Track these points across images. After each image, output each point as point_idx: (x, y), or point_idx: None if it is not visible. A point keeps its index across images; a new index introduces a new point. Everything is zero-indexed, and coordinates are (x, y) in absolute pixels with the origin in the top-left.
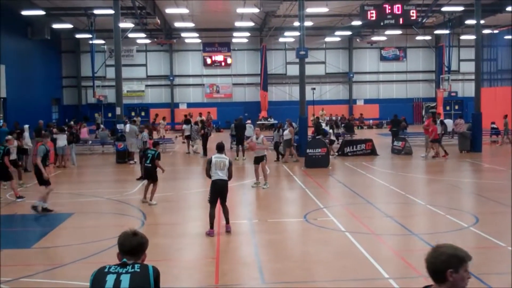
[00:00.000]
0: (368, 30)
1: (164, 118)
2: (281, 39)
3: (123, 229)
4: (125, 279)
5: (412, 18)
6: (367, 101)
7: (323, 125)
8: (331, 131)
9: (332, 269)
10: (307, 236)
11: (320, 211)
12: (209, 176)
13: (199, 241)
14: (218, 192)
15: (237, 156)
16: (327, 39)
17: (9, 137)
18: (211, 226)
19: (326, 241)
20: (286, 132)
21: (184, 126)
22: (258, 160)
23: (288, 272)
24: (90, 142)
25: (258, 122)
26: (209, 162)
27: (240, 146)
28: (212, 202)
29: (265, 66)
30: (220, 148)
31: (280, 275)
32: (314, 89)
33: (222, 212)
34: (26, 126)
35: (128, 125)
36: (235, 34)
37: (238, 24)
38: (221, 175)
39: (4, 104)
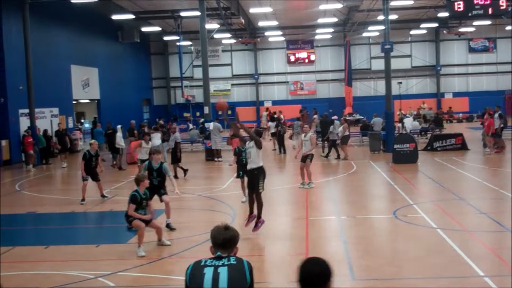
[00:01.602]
0: (455, 22)
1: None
2: (365, 34)
3: (214, 225)
4: (223, 271)
5: (501, 7)
6: (455, 94)
7: (411, 119)
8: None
9: (423, 266)
10: (396, 232)
11: (409, 207)
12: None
13: (287, 237)
14: None
15: (323, 152)
16: (413, 31)
17: (92, 141)
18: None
19: (416, 237)
20: (340, 128)
21: (270, 124)
22: (304, 158)
23: (378, 269)
24: (180, 140)
25: (342, 118)
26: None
27: (325, 142)
28: None
29: (349, 62)
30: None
31: (370, 272)
32: (400, 83)
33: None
34: (119, 126)
35: (212, 123)
36: (318, 30)
37: (321, 20)
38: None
39: (98, 106)
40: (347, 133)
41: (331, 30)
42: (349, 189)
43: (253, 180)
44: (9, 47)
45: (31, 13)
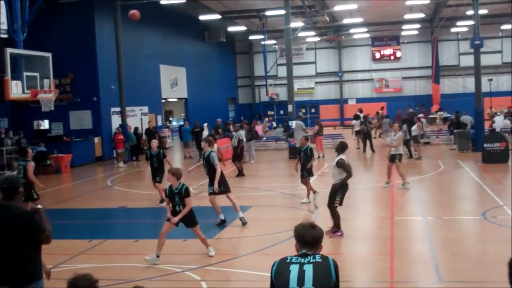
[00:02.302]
0: None
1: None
2: (453, 29)
3: (297, 222)
4: (309, 269)
5: None
6: None
7: (501, 118)
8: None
9: None
10: (485, 234)
11: (499, 208)
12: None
13: (371, 237)
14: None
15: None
16: (504, 26)
17: (152, 141)
18: (340, 226)
19: (507, 240)
20: (414, 127)
21: (354, 122)
22: (392, 158)
23: (466, 271)
24: (264, 138)
25: (430, 116)
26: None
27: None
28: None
29: (437, 58)
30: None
31: (457, 274)
32: (491, 80)
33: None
34: (205, 124)
35: (294, 121)
36: (404, 26)
37: (407, 16)
38: None
39: (186, 104)
40: (421, 132)
41: (417, 26)
42: (436, 189)
43: (332, 192)
44: (101, 48)
45: (122, 14)
